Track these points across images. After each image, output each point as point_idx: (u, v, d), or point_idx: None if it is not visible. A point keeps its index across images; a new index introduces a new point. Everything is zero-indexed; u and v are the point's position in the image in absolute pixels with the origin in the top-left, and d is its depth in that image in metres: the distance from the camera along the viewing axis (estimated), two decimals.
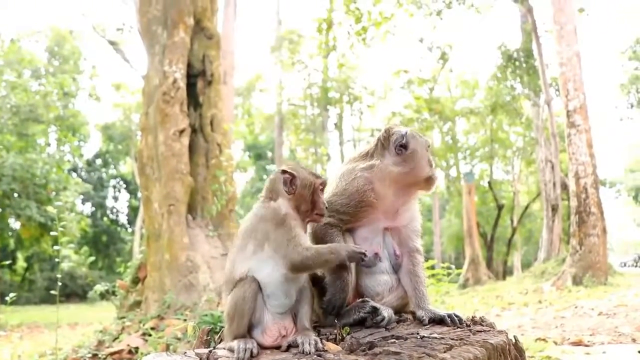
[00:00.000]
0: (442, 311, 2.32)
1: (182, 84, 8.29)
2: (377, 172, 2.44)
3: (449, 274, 8.42)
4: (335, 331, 2.15)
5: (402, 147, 2.47)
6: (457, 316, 2.31)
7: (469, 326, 2.26)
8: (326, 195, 2.34)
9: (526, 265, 37.03)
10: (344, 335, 2.08)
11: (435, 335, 2.06)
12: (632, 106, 33.51)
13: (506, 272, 35.67)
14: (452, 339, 2.02)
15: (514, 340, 2.17)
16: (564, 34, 19.41)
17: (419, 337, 2.04)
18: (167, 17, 8.55)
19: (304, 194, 2.17)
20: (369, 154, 2.55)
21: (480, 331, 2.15)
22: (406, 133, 2.51)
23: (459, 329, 2.18)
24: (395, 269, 2.47)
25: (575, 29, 19.68)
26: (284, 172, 2.18)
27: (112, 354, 6.39)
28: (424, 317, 2.28)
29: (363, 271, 2.39)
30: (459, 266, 28.21)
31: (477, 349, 1.92)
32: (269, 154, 45.93)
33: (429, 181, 2.50)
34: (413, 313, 2.40)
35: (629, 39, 33.59)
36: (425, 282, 2.43)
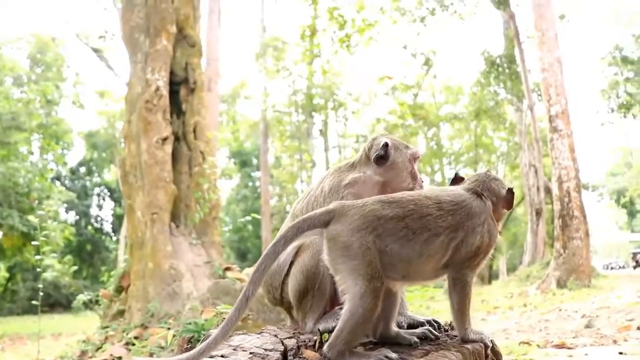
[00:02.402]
0: (420, 317, 2.34)
1: (165, 91, 8.27)
2: (361, 185, 2.43)
3: None
4: (315, 338, 2.16)
5: (382, 158, 2.45)
6: (435, 322, 2.33)
7: (447, 331, 2.28)
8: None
9: (511, 269, 37.28)
10: (323, 342, 2.09)
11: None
12: (612, 111, 33.94)
13: (492, 276, 35.86)
14: (430, 344, 2.04)
15: (490, 345, 2.19)
16: (546, 40, 19.66)
17: (396, 342, 2.06)
18: (150, 25, 8.53)
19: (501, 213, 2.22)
20: (354, 165, 2.53)
21: (458, 336, 2.17)
22: (386, 144, 2.46)
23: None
24: None
25: (557, 35, 19.94)
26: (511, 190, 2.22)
27: None
28: (403, 323, 2.29)
29: None
30: None
31: (453, 353, 1.95)
32: (254, 161, 45.86)
33: None
34: None
35: (609, 45, 34.14)
36: (405, 289, 2.43)
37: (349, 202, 2.02)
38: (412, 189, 2.43)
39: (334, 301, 2.39)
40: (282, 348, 2.05)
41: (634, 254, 44.81)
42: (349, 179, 2.44)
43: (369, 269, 1.85)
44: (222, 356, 2.03)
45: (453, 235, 1.96)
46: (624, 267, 50.65)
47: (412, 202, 1.98)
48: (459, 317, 2.05)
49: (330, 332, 2.21)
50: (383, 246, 1.88)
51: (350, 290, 1.88)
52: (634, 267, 42.90)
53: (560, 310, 11.96)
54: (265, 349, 2.09)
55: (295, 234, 1.97)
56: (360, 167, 2.50)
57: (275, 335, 2.31)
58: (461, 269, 1.99)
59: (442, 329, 2.30)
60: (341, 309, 2.28)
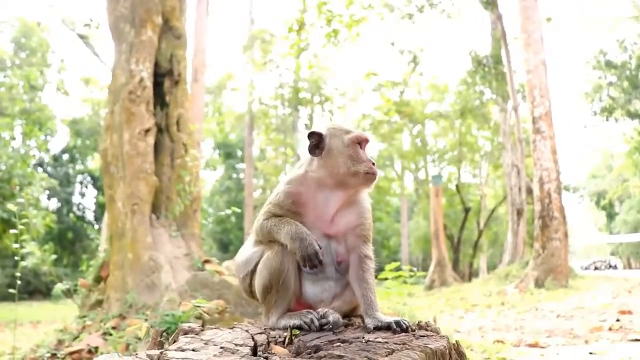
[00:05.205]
0: (389, 317, 2.37)
1: (149, 83, 8.24)
2: (297, 183, 2.41)
3: (411, 276, 8.54)
4: (285, 334, 2.21)
5: (316, 147, 2.39)
6: (404, 322, 2.35)
7: (414, 331, 2.33)
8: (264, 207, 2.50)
9: (492, 267, 37.65)
10: (292, 338, 2.14)
11: (380, 339, 2.13)
12: (595, 114, 34.33)
13: (472, 274, 36.20)
14: (396, 344, 2.09)
15: (456, 345, 2.25)
16: (531, 42, 19.82)
17: (363, 341, 2.11)
18: (135, 16, 8.48)
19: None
20: (300, 164, 2.52)
21: (424, 336, 2.22)
22: (312, 133, 2.40)
23: (403, 334, 2.24)
24: (341, 274, 2.48)
25: (542, 38, 20.12)
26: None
27: (71, 353, 6.34)
28: (370, 325, 2.33)
29: (307, 278, 2.44)
30: (425, 268, 28.55)
31: (417, 353, 2.00)
32: (239, 153, 45.79)
33: (358, 177, 2.33)
34: (362, 317, 2.46)
35: (593, 49, 34.45)
36: (374, 288, 2.45)
37: None
38: (356, 172, 2.33)
39: (300, 299, 2.44)
40: (252, 343, 2.09)
41: None
42: (289, 178, 2.46)
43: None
44: (193, 350, 2.07)
45: None
46: (615, 267, 50.34)
47: None
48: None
49: (293, 328, 2.26)
50: None
51: None
52: None
53: (536, 309, 12.12)
54: (236, 344, 2.13)
55: None
56: (306, 164, 2.46)
57: (247, 331, 2.35)
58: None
59: (410, 329, 2.34)
60: (308, 312, 2.32)
